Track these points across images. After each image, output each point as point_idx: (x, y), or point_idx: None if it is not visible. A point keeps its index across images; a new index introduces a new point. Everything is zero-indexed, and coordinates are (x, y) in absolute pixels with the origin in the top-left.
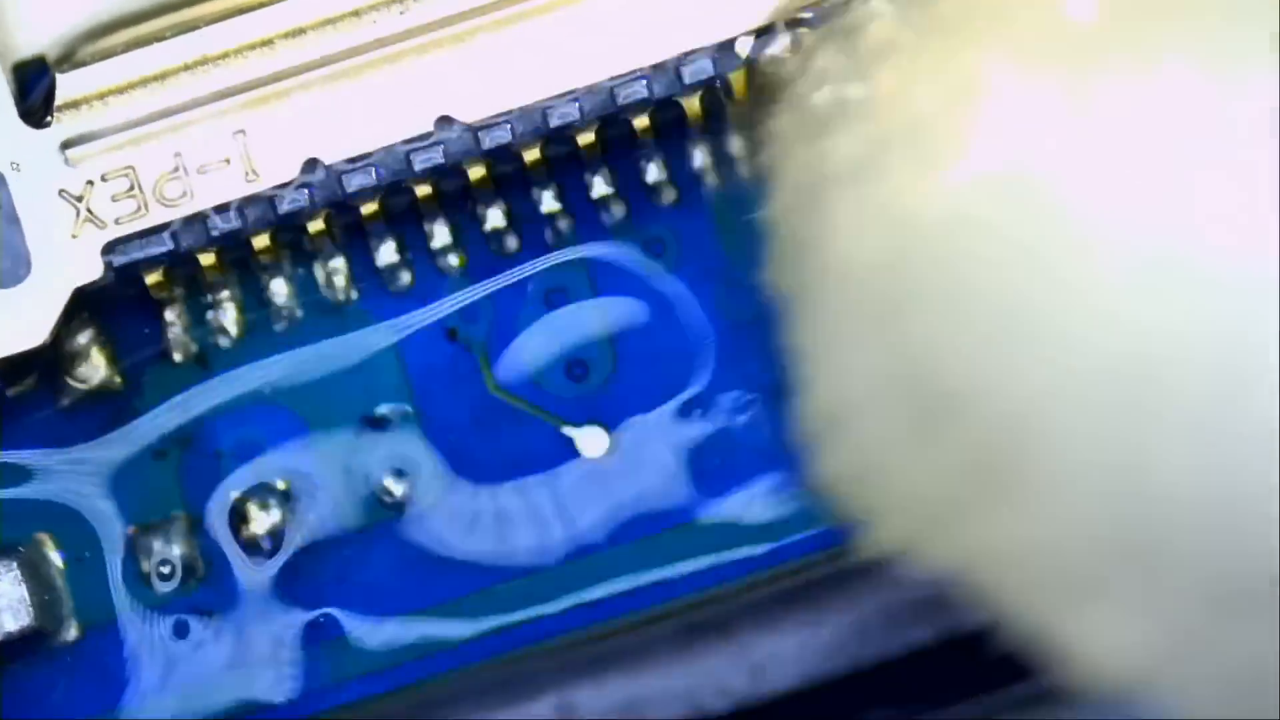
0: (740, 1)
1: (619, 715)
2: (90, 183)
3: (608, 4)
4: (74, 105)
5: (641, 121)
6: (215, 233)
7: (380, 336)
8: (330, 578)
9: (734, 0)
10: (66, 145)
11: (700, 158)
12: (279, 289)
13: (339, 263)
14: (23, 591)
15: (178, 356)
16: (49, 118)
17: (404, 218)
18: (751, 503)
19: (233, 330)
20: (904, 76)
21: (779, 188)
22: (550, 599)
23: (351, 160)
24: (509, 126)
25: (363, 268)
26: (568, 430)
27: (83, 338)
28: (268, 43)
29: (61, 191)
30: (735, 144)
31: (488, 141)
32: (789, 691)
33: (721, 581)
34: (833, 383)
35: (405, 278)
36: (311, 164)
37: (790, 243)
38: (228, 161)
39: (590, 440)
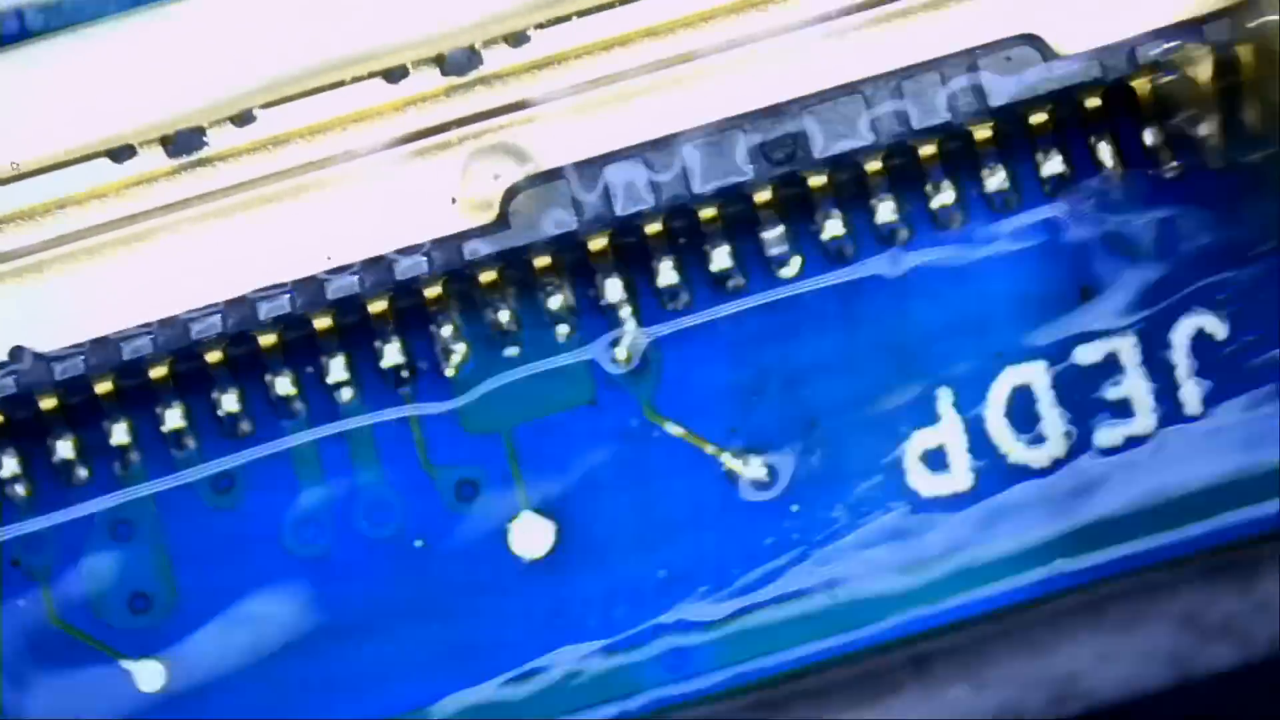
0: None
1: None
2: None
3: (180, 241)
4: None
5: (214, 355)
6: None
7: None
8: None
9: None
10: None
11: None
12: None
13: None
14: None
15: None
16: None
17: None
18: None
19: None
20: None
21: None
22: None
23: None
24: (82, 358)
25: None
26: (126, 664)
27: None
28: None
29: None
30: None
31: (61, 373)
32: None
33: None
34: None
35: None
36: None
37: None
38: None
39: (147, 674)
